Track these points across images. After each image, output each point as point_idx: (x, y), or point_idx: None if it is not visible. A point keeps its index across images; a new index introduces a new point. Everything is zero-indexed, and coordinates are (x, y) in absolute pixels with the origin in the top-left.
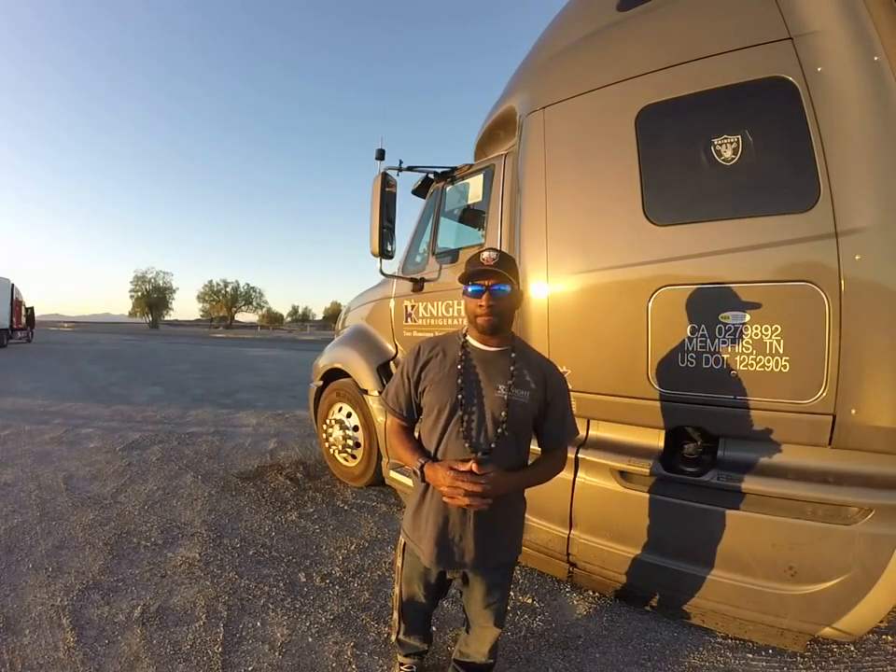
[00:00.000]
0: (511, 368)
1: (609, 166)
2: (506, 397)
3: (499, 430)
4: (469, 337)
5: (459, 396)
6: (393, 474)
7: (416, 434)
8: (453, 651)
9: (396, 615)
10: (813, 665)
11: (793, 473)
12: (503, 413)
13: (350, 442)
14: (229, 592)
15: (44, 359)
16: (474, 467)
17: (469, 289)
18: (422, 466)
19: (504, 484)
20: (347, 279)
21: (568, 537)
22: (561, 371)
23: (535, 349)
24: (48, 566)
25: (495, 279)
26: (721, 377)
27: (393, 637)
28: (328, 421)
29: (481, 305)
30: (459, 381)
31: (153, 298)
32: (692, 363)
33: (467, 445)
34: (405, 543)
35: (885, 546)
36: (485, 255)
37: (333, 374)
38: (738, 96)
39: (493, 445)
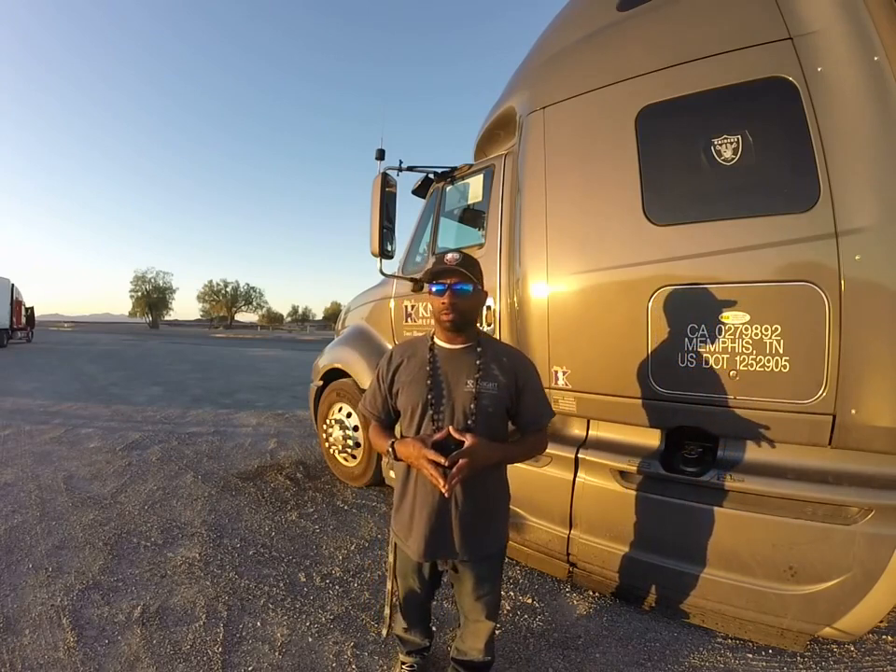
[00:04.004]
0: (478, 362)
1: (608, 166)
2: (474, 390)
3: (469, 422)
4: (436, 339)
5: (429, 395)
6: (393, 474)
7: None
8: (450, 650)
9: (388, 610)
10: (813, 665)
11: (793, 473)
12: (472, 406)
13: (350, 442)
14: (229, 592)
15: (44, 359)
16: (451, 429)
17: (433, 288)
18: (392, 443)
19: (485, 453)
20: (347, 279)
21: (568, 537)
22: (560, 369)
23: (502, 342)
24: (48, 566)
25: (457, 278)
26: (721, 377)
27: (384, 632)
28: (328, 421)
29: (443, 303)
30: (428, 381)
31: (153, 298)
32: (692, 363)
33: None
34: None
35: (885, 546)
36: (449, 256)
37: (333, 374)
38: (738, 96)
39: None
